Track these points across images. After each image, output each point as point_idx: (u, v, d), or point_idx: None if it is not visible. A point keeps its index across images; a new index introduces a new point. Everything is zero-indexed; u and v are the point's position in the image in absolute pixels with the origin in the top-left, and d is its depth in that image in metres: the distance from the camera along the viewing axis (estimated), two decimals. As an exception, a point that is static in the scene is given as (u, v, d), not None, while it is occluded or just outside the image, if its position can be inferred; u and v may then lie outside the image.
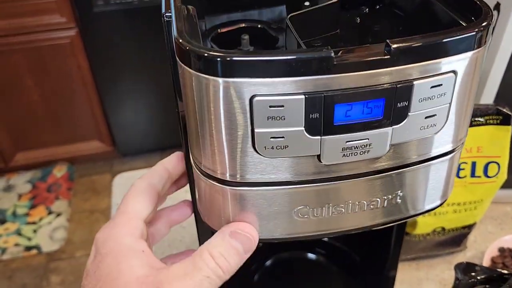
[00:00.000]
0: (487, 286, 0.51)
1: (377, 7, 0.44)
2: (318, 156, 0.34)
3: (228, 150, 0.34)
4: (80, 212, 2.01)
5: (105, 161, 2.24)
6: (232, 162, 0.35)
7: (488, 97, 0.67)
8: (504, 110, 0.58)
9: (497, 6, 0.62)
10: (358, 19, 0.44)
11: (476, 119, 0.58)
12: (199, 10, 0.46)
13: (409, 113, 0.34)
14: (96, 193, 2.08)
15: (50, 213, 2.00)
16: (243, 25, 0.47)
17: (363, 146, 0.34)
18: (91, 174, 2.20)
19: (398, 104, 0.33)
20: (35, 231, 1.92)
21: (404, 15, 0.43)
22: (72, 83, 2.03)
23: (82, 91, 2.06)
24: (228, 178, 0.36)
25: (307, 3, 0.44)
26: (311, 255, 0.65)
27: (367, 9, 0.44)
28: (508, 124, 0.58)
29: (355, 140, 0.34)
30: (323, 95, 0.31)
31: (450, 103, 0.34)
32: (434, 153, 0.37)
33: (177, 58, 0.33)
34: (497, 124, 0.58)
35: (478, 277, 0.52)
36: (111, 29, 1.92)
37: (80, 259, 1.78)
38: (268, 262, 0.65)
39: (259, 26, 0.47)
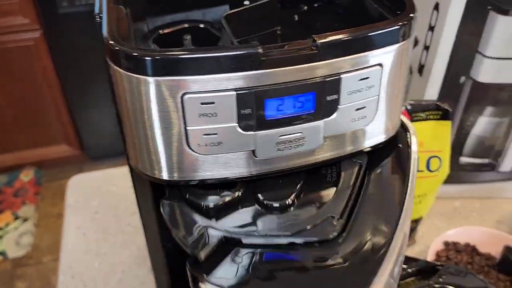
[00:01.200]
0: (418, 277, 0.52)
1: (316, 5, 0.45)
2: (253, 152, 0.35)
3: (163, 149, 0.34)
4: (48, 217, 1.97)
5: (73, 165, 2.21)
6: (169, 161, 0.35)
7: (431, 94, 0.69)
8: (443, 106, 0.60)
9: (436, 6, 0.64)
10: (297, 17, 0.44)
11: (417, 114, 0.59)
12: (142, 11, 0.46)
13: (339, 106, 0.34)
14: (64, 198, 2.05)
15: (16, 218, 1.95)
16: (186, 25, 0.48)
17: (296, 140, 0.35)
18: (59, 178, 2.16)
19: (328, 97, 0.34)
20: (1, 237, 1.88)
21: (341, 12, 0.44)
22: (38, 86, 1.98)
23: (48, 93, 2.02)
24: (165, 178, 0.36)
25: (246, 2, 0.45)
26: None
27: (305, 7, 0.45)
28: (448, 119, 0.60)
29: (289, 134, 0.34)
30: (253, 90, 0.32)
31: (379, 95, 0.36)
32: (368, 144, 0.38)
33: (108, 59, 0.33)
34: (437, 119, 0.60)
35: (410, 270, 0.53)
36: (76, 31, 1.88)
37: (48, 265, 1.75)
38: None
39: (201, 26, 0.48)
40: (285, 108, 0.33)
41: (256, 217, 0.36)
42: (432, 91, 0.70)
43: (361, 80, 0.34)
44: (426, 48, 0.69)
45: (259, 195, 0.37)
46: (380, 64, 0.34)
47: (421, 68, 0.71)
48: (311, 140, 0.35)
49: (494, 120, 0.74)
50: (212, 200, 0.36)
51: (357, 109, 0.35)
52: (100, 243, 0.77)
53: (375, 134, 0.38)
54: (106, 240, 0.78)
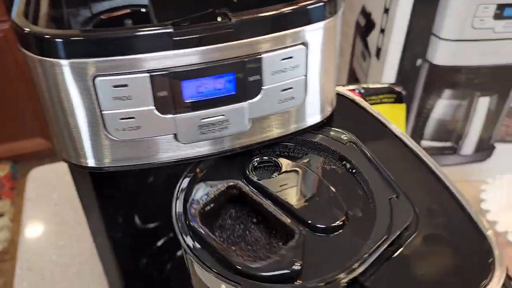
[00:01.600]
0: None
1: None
2: (175, 136, 0.34)
3: (82, 136, 0.33)
4: (24, 211, 1.95)
5: (50, 158, 2.18)
6: (89, 148, 0.34)
7: (388, 77, 0.69)
8: (397, 89, 0.59)
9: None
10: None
11: (371, 98, 0.59)
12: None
13: (262, 87, 0.33)
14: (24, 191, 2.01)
15: (-8, 214, 1.93)
16: (128, 10, 0.46)
17: (220, 123, 0.34)
18: (36, 172, 2.13)
19: (250, 78, 0.33)
20: (-24, 233, 1.85)
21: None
22: (11, 79, 1.94)
23: (21, 86, 1.98)
24: (90, 165, 0.35)
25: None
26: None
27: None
28: (402, 102, 0.60)
29: (211, 117, 0.33)
30: (168, 72, 0.31)
31: (306, 75, 0.35)
32: (302, 126, 0.38)
33: (18, 43, 0.32)
34: (392, 102, 0.60)
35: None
36: (47, 21, 1.84)
37: (24, 260, 1.73)
38: (179, 252, 0.64)
39: (142, 10, 0.46)
40: (204, 90, 0.32)
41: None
42: (389, 75, 0.69)
43: (284, 60, 0.33)
44: (382, 31, 0.68)
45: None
46: (304, 43, 0.33)
47: (378, 52, 0.70)
48: (236, 122, 0.34)
49: (453, 103, 0.74)
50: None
51: (283, 90, 0.34)
52: (59, 235, 0.76)
53: (308, 115, 0.37)
54: (65, 232, 0.76)
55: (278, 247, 0.32)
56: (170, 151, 0.34)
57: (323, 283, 0.28)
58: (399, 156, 0.39)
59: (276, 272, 0.29)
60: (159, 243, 0.65)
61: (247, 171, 0.36)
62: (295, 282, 0.29)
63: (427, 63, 0.69)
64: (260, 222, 0.34)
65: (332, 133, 0.39)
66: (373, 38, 0.71)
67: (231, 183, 0.35)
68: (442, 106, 0.74)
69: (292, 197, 0.34)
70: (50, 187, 0.84)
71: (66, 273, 0.71)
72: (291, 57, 0.33)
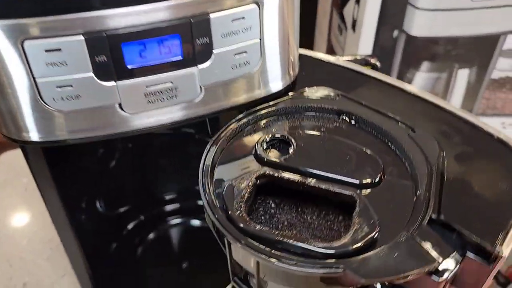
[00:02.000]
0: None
1: None
2: (120, 105, 0.31)
3: (19, 107, 0.30)
4: None
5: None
6: (27, 121, 0.31)
7: (365, 49, 0.66)
8: (372, 61, 0.57)
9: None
10: None
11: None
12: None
13: (213, 51, 0.31)
14: None
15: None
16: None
17: (168, 91, 0.31)
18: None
19: (198, 40, 0.30)
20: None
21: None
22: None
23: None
24: (27, 138, 0.32)
25: None
26: (195, 222, 0.63)
27: None
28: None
29: (157, 84, 0.31)
30: (105, 34, 0.28)
31: (262, 38, 0.32)
32: (261, 94, 0.35)
33: None
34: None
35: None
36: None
37: None
38: (151, 235, 0.62)
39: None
40: (149, 55, 0.30)
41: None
42: (365, 47, 0.67)
43: (235, 21, 0.30)
44: (357, 2, 0.66)
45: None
46: (257, 3, 0.31)
47: (354, 24, 0.68)
48: (186, 90, 0.32)
49: (432, 76, 0.72)
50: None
51: (237, 54, 0.32)
52: (29, 220, 0.74)
53: (267, 81, 0.35)
54: (36, 218, 0.74)
55: (341, 220, 0.30)
56: (116, 122, 0.32)
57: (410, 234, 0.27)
58: (387, 95, 0.38)
59: (363, 242, 0.26)
60: (130, 226, 0.63)
61: (263, 156, 0.32)
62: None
63: (404, 34, 0.66)
64: (302, 203, 0.31)
65: (317, 93, 0.37)
66: (349, 9, 0.69)
67: (258, 173, 0.30)
68: (421, 79, 0.72)
69: (323, 166, 0.31)
70: (20, 171, 0.81)
71: (36, 259, 0.69)
72: (243, 18, 0.31)
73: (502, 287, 0.59)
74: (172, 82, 0.31)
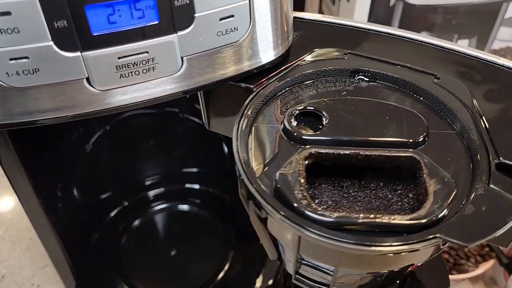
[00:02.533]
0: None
1: None
2: (88, 80, 0.27)
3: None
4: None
5: None
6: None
7: (360, 19, 0.62)
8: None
9: None
10: None
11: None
12: None
13: (195, 14, 0.27)
14: None
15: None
16: None
17: (144, 62, 0.27)
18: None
19: (176, 2, 0.26)
20: None
21: None
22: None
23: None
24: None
25: None
26: (184, 206, 0.59)
27: None
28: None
29: (131, 55, 0.26)
30: (64, -6, 0.24)
31: (251, 0, 0.28)
32: (250, 65, 0.31)
33: None
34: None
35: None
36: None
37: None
38: (136, 222, 0.58)
39: None
40: (119, 20, 0.25)
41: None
42: (360, 17, 0.62)
43: (220, -22, 0.26)
44: (352, -33, 0.61)
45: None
46: (244, -44, 0.26)
47: (348, -8, 0.63)
48: (165, 61, 0.27)
49: (430, 47, 0.68)
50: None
51: (223, 19, 0.28)
52: (8, 208, 0.70)
53: (257, 51, 0.31)
54: (15, 205, 0.70)
55: (382, 186, 0.28)
56: (85, 100, 0.28)
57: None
58: (394, 47, 0.36)
59: (448, 203, 0.24)
60: (112, 213, 0.59)
61: (300, 135, 0.28)
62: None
63: (401, 2, 0.62)
64: (338, 178, 0.29)
65: (322, 56, 0.34)
66: (342, -24, 0.64)
67: (306, 153, 0.27)
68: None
69: (365, 132, 0.28)
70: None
71: (14, 249, 0.65)
72: (228, -25, 0.26)
73: (505, 267, 0.56)
74: (148, 52, 0.27)
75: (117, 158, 0.55)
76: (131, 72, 0.27)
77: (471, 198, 0.24)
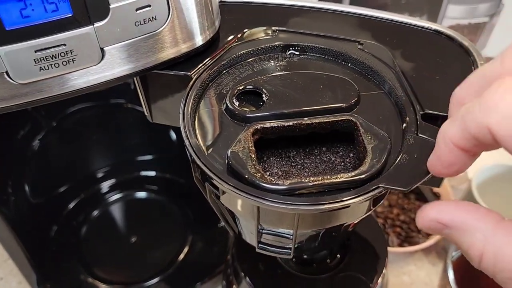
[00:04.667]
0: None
1: None
2: (8, 74, 0.27)
3: None
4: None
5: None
6: None
7: None
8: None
9: None
10: None
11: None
12: None
13: (110, 6, 0.27)
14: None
15: None
16: None
17: (62, 55, 0.27)
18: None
19: (89, -6, 0.26)
20: None
21: None
22: None
23: None
24: None
25: None
26: (141, 194, 0.60)
27: None
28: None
29: (48, 48, 0.27)
30: (-28, -10, 0.24)
31: (166, -12, 0.28)
32: (177, 52, 0.32)
33: None
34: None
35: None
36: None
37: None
38: (95, 212, 0.59)
39: None
40: (33, 14, 0.26)
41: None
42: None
43: (131, -32, 0.27)
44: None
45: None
46: None
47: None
48: (84, 53, 0.28)
49: None
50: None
51: (139, 8, 0.28)
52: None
53: (182, 38, 0.31)
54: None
55: (325, 151, 0.30)
56: (7, 93, 0.28)
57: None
58: (315, 19, 0.38)
59: (385, 156, 0.27)
60: (70, 206, 0.59)
61: (244, 113, 0.30)
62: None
63: (347, -17, 0.63)
64: (283, 149, 0.31)
65: (253, 36, 0.36)
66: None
67: (252, 130, 0.29)
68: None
69: (303, 102, 0.30)
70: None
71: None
72: (140, -36, 0.27)
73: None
74: (65, 45, 0.27)
75: (67, 152, 0.55)
76: (51, 64, 0.27)
77: (404, 148, 0.27)
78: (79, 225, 0.58)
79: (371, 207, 0.29)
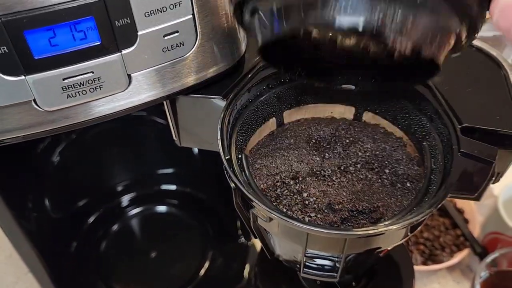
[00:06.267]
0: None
1: None
2: (35, 101, 0.27)
3: None
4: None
5: None
6: None
7: None
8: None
9: None
10: None
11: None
12: None
13: (138, 33, 0.27)
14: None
15: None
16: None
17: (90, 82, 0.27)
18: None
19: (117, 22, 0.26)
20: None
21: None
22: None
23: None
24: None
25: None
26: (161, 208, 0.60)
27: None
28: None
29: (75, 76, 0.27)
30: (1, 20, 0.24)
31: (195, 13, 0.28)
32: (202, 76, 0.31)
33: None
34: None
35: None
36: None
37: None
38: (115, 227, 0.59)
39: None
40: (61, 42, 0.25)
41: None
42: None
43: (160, -5, 0.26)
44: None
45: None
46: (184, -28, 0.26)
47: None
48: (111, 80, 0.28)
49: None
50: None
51: (167, 35, 0.28)
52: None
53: (208, 63, 0.31)
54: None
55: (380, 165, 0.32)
56: (34, 121, 0.28)
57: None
58: None
59: None
60: (90, 220, 0.59)
61: None
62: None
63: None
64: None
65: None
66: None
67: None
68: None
69: None
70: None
71: (-3, 257, 0.65)
72: (168, -8, 0.26)
73: (479, 256, 0.57)
74: (93, 72, 0.27)
75: (87, 166, 0.55)
76: (78, 92, 0.27)
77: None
78: (99, 240, 0.58)
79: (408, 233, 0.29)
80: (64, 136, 0.50)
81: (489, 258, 0.48)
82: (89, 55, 0.26)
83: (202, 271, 0.58)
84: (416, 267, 0.57)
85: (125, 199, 0.60)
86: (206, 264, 0.58)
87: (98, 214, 0.58)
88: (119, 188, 0.59)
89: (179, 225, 0.60)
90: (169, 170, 0.60)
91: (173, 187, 0.61)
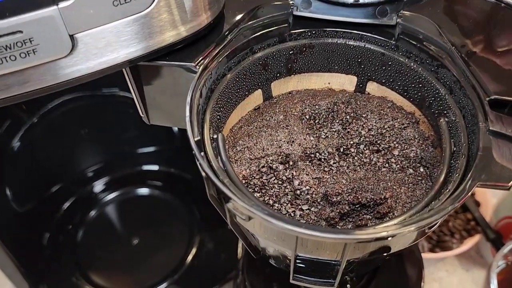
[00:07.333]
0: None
1: None
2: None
3: None
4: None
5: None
6: None
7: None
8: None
9: None
10: None
11: None
12: None
13: (77, -20, 0.21)
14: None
15: None
16: None
17: (19, 44, 0.21)
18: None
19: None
20: None
21: None
22: None
23: None
24: None
25: None
26: (143, 190, 0.55)
27: None
28: None
29: (2, 36, 0.21)
30: None
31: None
32: (169, 38, 0.25)
33: None
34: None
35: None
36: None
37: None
38: (92, 213, 0.53)
39: None
40: (-25, -9, 0.20)
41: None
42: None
43: None
44: None
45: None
46: None
47: None
48: (48, 42, 0.22)
49: None
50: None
51: (116, -16, 0.22)
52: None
53: (175, 21, 0.25)
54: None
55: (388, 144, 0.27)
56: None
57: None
58: None
59: None
60: (64, 206, 0.54)
61: None
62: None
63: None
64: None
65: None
66: None
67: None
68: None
69: None
70: None
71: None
72: None
73: (492, 243, 0.52)
74: (22, 32, 0.21)
75: (55, 150, 0.50)
76: (5, 57, 0.21)
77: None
78: (74, 228, 0.53)
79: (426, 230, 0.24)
80: (25, 118, 0.44)
81: (507, 248, 0.43)
82: (17, 9, 0.20)
83: (189, 259, 0.53)
84: (423, 255, 0.53)
85: (101, 183, 0.55)
86: (193, 251, 0.54)
87: (72, 201, 0.53)
88: (95, 171, 0.54)
89: (163, 209, 0.55)
90: (150, 149, 0.55)
91: (155, 167, 0.55)
